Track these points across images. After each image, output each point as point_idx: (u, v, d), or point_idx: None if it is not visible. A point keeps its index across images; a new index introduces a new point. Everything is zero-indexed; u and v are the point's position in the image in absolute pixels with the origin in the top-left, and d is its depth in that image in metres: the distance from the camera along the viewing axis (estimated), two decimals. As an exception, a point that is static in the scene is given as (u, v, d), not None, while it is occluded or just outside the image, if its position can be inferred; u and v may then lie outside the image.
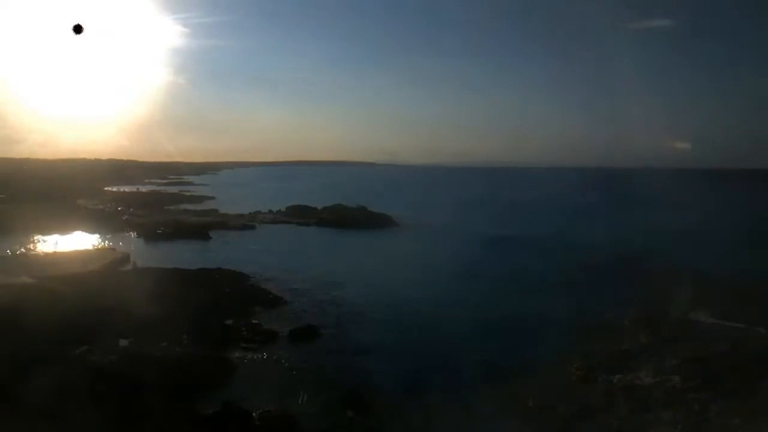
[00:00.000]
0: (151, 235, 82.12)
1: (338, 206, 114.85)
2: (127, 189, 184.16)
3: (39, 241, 70.43)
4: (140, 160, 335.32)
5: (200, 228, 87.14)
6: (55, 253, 61.83)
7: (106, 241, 78.41)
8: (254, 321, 40.96)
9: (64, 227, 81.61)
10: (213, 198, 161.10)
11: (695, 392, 28.45)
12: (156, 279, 50.11)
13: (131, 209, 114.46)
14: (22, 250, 62.31)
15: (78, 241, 76.11)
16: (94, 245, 73.05)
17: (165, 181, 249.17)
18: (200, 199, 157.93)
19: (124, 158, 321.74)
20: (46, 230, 76.79)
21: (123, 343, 34.91)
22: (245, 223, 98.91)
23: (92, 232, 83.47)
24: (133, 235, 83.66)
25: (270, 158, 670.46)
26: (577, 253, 72.34)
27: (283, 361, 34.30)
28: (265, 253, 71.42)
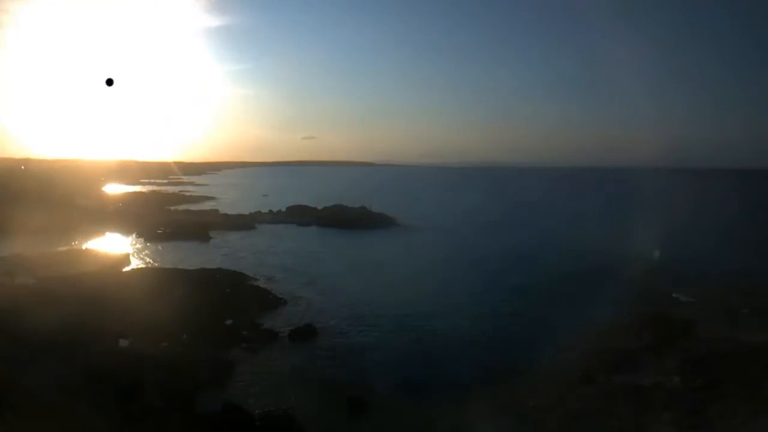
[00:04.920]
0: (151, 235, 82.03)
1: (338, 206, 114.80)
2: (127, 189, 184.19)
3: (38, 242, 70.26)
4: (141, 160, 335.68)
5: (200, 228, 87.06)
6: (54, 253, 61.72)
7: (106, 242, 78.44)
8: (254, 321, 40.93)
9: (63, 227, 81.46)
10: (213, 198, 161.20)
11: (696, 392, 28.42)
12: (156, 279, 50.11)
13: (131, 209, 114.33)
14: (22, 250, 62.11)
15: (78, 242, 76.01)
16: (94, 245, 72.97)
17: (165, 181, 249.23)
18: (201, 199, 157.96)
19: (125, 158, 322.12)
20: (46, 230, 76.67)
21: (123, 343, 34.92)
22: (245, 224, 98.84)
23: (92, 232, 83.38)
24: (133, 235, 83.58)
25: (270, 158, 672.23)
26: (577, 252, 72.29)
27: (283, 361, 34.27)
28: (265, 253, 71.42)
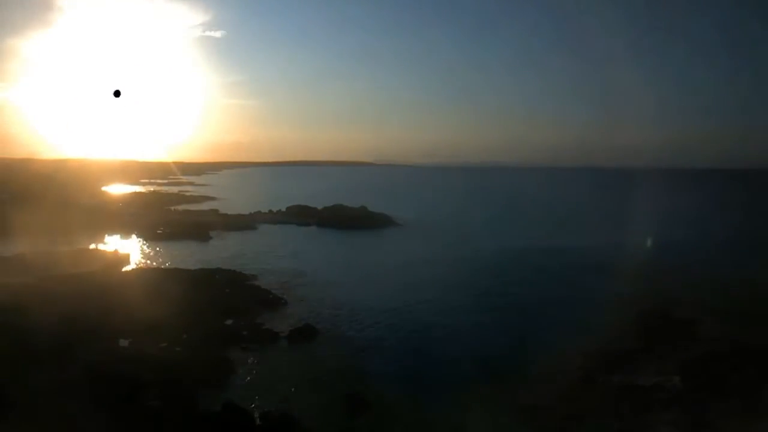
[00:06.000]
0: (151, 235, 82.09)
1: (338, 206, 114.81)
2: (127, 189, 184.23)
3: (39, 241, 70.28)
4: (141, 160, 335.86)
5: (200, 228, 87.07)
6: (55, 253, 61.67)
7: (106, 242, 78.43)
8: (254, 321, 40.93)
9: (64, 227, 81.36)
10: (213, 198, 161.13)
11: (695, 392, 28.44)
12: (156, 279, 50.13)
13: (131, 209, 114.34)
14: (22, 250, 62.16)
15: (78, 241, 75.96)
16: (94, 245, 72.97)
17: (165, 181, 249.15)
18: (201, 199, 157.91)
19: (125, 158, 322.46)
20: (46, 230, 76.67)
21: (123, 343, 34.93)
22: (245, 223, 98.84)
23: (92, 232, 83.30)
24: (133, 235, 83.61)
25: (270, 158, 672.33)
26: (577, 252, 72.36)
27: (283, 361, 34.29)
28: (265, 253, 71.41)
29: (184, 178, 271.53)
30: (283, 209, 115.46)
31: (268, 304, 45.90)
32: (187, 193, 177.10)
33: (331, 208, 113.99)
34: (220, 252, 71.54)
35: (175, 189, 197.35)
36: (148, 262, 64.52)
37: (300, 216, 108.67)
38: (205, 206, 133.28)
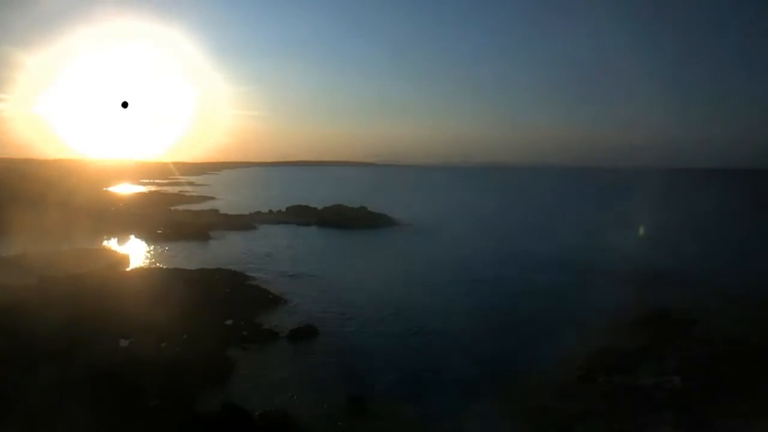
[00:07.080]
0: (151, 235, 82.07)
1: (338, 206, 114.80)
2: (127, 189, 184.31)
3: (40, 242, 70.29)
4: (141, 160, 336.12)
5: (200, 228, 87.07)
6: (55, 253, 61.66)
7: (107, 242, 78.42)
8: (254, 321, 40.94)
9: (64, 227, 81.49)
10: (214, 198, 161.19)
11: (695, 392, 28.42)
12: (156, 279, 50.16)
13: (132, 209, 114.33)
14: (22, 250, 62.17)
15: (78, 242, 76.00)
16: (94, 245, 72.97)
17: (166, 181, 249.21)
18: (201, 199, 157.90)
19: (126, 158, 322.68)
20: (46, 230, 76.74)
21: (123, 343, 34.92)
22: (245, 223, 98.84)
23: (92, 232, 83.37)
24: (133, 235, 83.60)
25: (270, 159, 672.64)
26: (577, 252, 72.33)
27: (283, 361, 34.28)
28: (265, 253, 71.41)
29: (184, 179, 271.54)
30: (283, 209, 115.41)
31: (268, 304, 45.90)
32: (187, 194, 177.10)
33: (331, 208, 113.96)
34: (220, 252, 71.55)
35: (175, 189, 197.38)
36: (149, 262, 64.52)
37: (300, 216, 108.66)
38: (205, 206, 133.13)
